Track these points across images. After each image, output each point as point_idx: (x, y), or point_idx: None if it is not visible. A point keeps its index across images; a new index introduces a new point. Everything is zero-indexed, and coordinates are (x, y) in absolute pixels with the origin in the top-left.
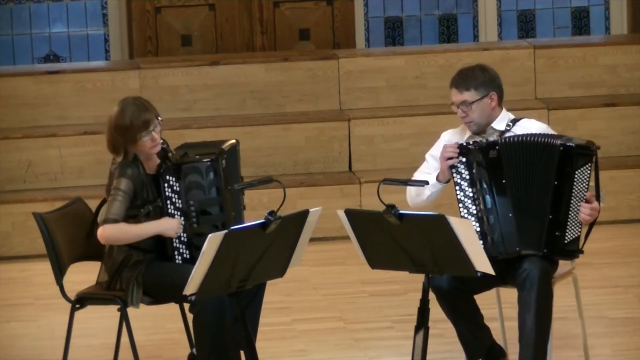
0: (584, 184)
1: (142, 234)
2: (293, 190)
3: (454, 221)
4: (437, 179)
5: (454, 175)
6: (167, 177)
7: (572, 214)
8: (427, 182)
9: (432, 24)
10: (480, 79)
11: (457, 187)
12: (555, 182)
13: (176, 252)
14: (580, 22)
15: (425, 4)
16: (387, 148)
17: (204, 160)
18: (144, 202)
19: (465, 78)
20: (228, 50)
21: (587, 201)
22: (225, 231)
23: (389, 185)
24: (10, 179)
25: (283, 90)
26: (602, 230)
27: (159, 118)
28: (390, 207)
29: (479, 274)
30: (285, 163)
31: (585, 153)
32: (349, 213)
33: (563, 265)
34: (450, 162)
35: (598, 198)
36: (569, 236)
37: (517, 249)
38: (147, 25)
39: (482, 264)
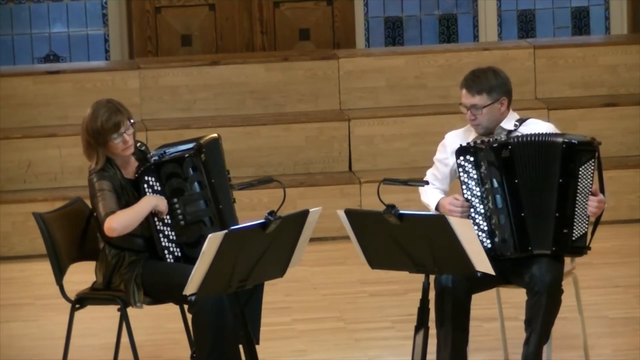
0: (589, 180)
1: (141, 212)
2: (293, 190)
3: (454, 221)
4: (437, 208)
5: (461, 174)
6: (147, 178)
7: (579, 211)
8: (427, 182)
9: (432, 24)
10: (492, 83)
11: (464, 187)
12: (560, 180)
13: (166, 251)
14: (580, 22)
15: (425, 4)
16: (387, 148)
17: (182, 156)
18: (125, 205)
19: (477, 81)
20: (228, 50)
21: (593, 194)
22: (225, 231)
23: (389, 185)
24: (10, 179)
25: (283, 90)
26: (602, 230)
27: (132, 120)
28: (390, 207)
29: (478, 274)
30: (285, 163)
31: (588, 149)
32: (349, 213)
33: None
34: (453, 214)
35: (602, 194)
36: (576, 233)
37: (530, 248)
38: (147, 25)
39: (482, 264)
